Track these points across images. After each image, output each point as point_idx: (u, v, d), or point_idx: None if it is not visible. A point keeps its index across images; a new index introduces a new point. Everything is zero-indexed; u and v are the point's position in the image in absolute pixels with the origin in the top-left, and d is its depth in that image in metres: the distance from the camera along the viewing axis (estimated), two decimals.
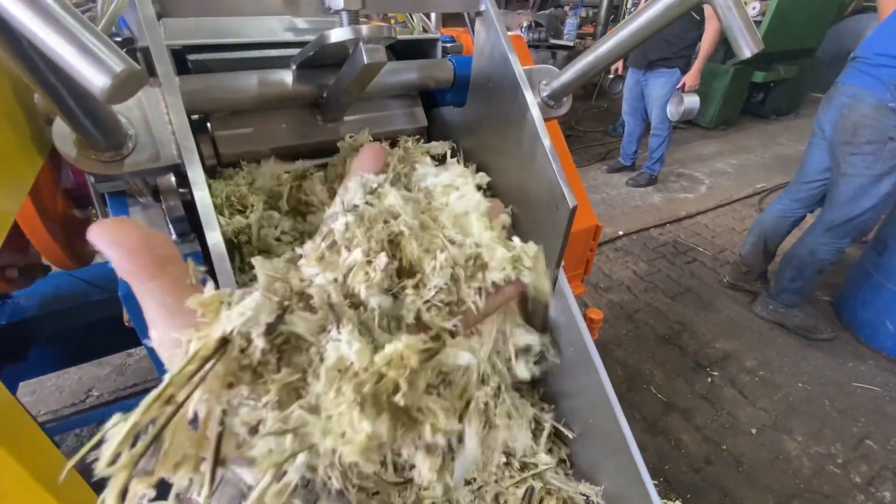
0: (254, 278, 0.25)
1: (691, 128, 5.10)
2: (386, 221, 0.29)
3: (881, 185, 1.78)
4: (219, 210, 0.51)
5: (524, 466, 0.57)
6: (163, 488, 0.20)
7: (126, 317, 0.59)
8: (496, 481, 0.55)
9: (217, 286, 0.27)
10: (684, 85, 3.34)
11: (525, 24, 4.35)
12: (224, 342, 0.21)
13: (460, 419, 0.27)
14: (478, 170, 0.64)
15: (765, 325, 2.30)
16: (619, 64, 3.78)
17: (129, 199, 0.57)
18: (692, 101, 3.39)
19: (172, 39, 0.63)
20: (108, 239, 0.21)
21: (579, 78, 0.58)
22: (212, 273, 0.37)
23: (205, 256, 0.39)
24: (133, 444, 0.19)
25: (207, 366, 0.20)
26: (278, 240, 0.52)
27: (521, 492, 0.54)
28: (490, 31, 0.60)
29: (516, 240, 0.35)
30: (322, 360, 0.23)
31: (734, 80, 4.67)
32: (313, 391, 0.22)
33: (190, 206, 0.45)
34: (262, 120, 0.65)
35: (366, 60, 0.46)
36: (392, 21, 0.99)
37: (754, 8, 4.65)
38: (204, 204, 0.37)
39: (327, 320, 0.24)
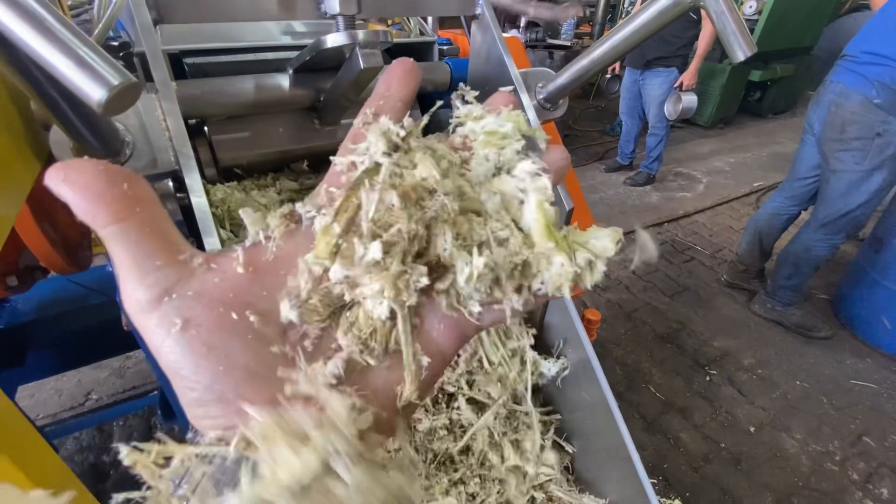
0: None
1: (689, 127, 5.11)
2: (420, 200, 0.21)
3: (871, 181, 1.81)
4: (219, 221, 0.51)
5: (528, 476, 0.57)
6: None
7: (124, 321, 0.59)
8: (499, 492, 0.55)
9: None
10: (682, 84, 3.35)
11: (572, 17, 4.19)
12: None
13: None
14: None
15: (763, 324, 2.31)
16: (616, 63, 3.78)
17: None
18: (690, 99, 3.39)
19: (170, 43, 0.63)
20: (65, 178, 0.18)
21: (575, 81, 0.59)
22: None
23: None
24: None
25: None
26: None
27: (524, 501, 0.55)
28: (486, 35, 0.60)
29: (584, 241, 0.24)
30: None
31: (731, 79, 4.69)
32: None
33: (188, 210, 0.45)
34: (259, 124, 0.65)
35: (362, 65, 0.46)
36: (389, 23, 0.99)
37: (751, 6, 4.66)
38: (201, 210, 0.37)
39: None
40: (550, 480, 0.56)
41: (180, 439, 0.20)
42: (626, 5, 4.95)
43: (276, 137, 0.66)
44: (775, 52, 4.64)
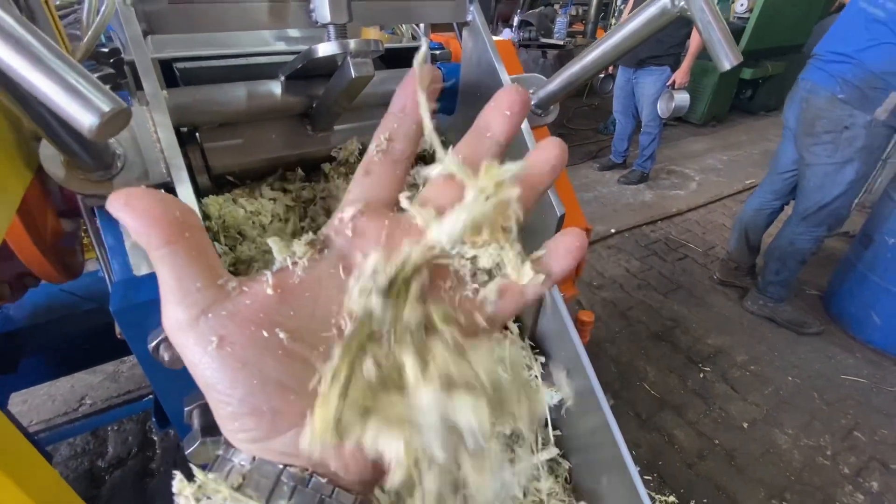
0: None
1: (682, 125, 5.14)
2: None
3: (845, 173, 1.88)
4: (215, 236, 0.51)
5: (526, 492, 0.57)
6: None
7: (118, 329, 0.59)
8: None
9: None
10: (674, 82, 3.37)
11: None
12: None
13: None
14: None
15: (755, 321, 2.33)
16: None
17: None
18: (682, 98, 3.41)
19: (161, 51, 0.63)
20: (126, 204, 0.19)
21: (566, 87, 0.59)
22: None
23: None
24: None
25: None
26: None
27: None
28: (477, 41, 0.60)
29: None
30: None
31: (723, 77, 4.71)
32: None
33: None
34: (252, 131, 0.65)
35: (353, 74, 0.46)
36: (379, 28, 0.99)
37: (742, 5, 4.69)
38: None
39: None
40: (550, 497, 0.57)
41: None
42: (618, 4, 4.96)
43: (268, 144, 0.65)
44: (766, 51, 4.68)
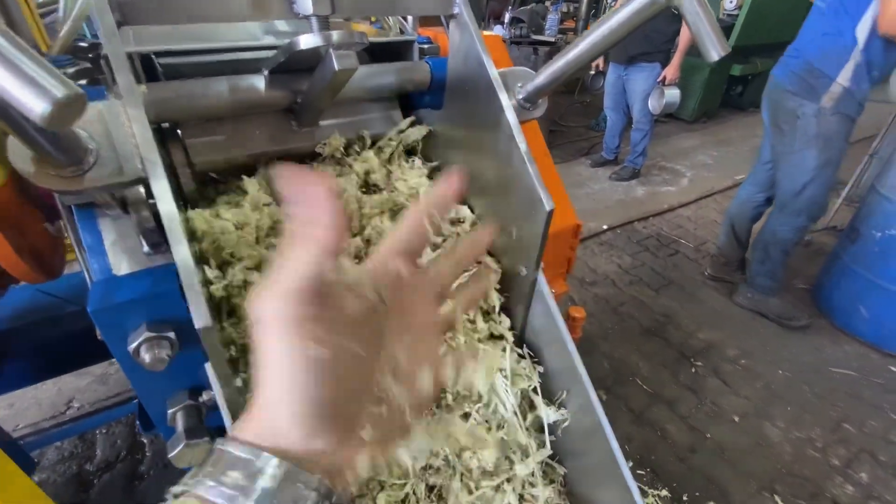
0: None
1: (672, 121, 5.17)
2: None
3: (805, 160, 1.96)
4: (205, 260, 0.50)
5: (522, 498, 0.57)
6: None
7: (99, 332, 0.57)
8: None
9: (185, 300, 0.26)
10: (665, 79, 3.38)
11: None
12: None
13: None
14: None
15: (746, 315, 2.35)
16: (601, 60, 3.80)
17: (98, 210, 0.55)
18: (673, 94, 3.43)
19: (142, 44, 0.61)
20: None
21: (554, 81, 0.58)
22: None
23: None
24: None
25: None
26: None
27: None
28: (464, 34, 0.59)
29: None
30: None
31: (713, 74, 4.74)
32: None
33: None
34: (235, 127, 0.64)
35: (336, 67, 0.45)
36: (369, 22, 0.97)
37: (731, 2, 4.71)
38: (170, 218, 0.36)
39: None
40: (547, 502, 0.57)
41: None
42: (608, 1, 4.97)
43: (252, 140, 0.64)
44: (756, 47, 4.71)
